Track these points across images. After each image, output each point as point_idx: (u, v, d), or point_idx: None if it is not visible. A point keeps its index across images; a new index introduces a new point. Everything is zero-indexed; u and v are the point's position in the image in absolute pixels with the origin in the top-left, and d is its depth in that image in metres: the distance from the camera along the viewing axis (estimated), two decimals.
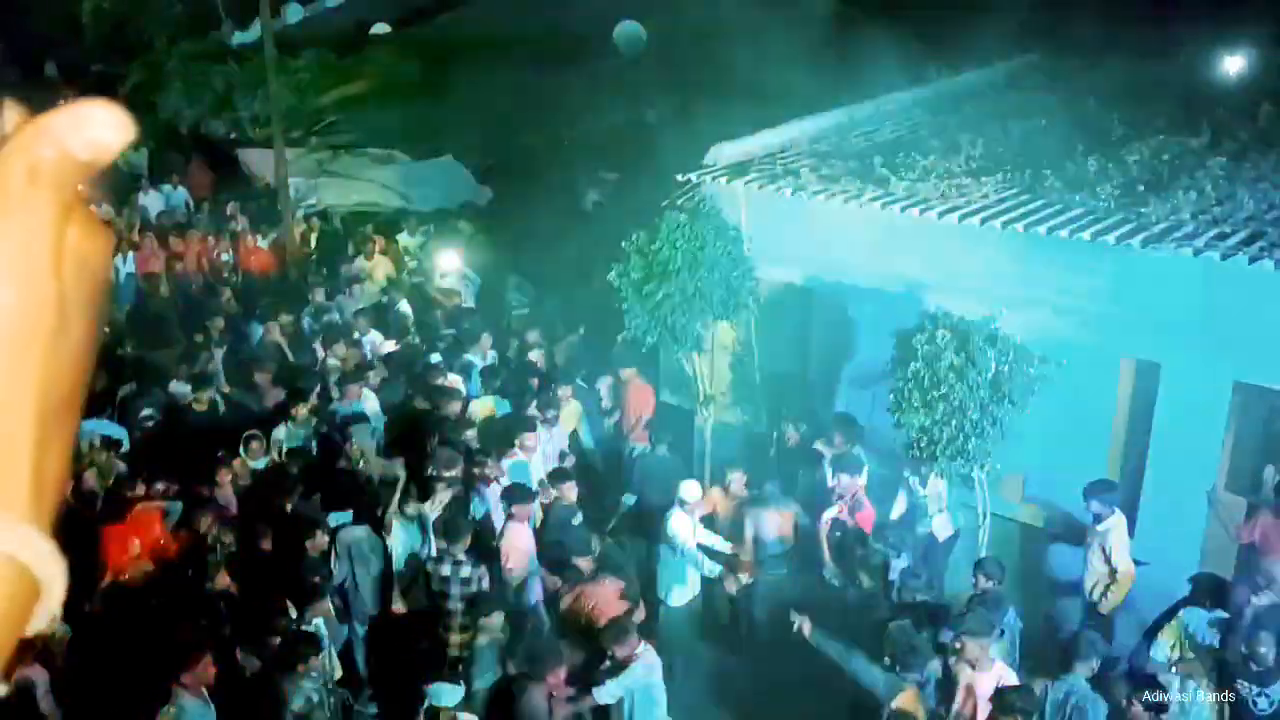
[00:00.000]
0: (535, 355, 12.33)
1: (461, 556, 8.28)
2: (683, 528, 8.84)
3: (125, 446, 9.97)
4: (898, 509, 9.24)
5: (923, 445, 8.34)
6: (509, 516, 8.73)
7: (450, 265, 14.67)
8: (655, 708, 7.47)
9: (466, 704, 7.25)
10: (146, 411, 10.64)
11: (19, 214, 0.67)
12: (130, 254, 15.73)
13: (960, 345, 8.06)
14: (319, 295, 13.88)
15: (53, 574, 0.69)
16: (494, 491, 9.24)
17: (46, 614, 0.70)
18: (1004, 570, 8.16)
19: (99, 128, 0.69)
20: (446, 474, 9.03)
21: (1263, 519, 8.59)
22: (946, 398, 8.05)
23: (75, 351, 0.71)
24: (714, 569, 8.84)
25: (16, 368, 0.67)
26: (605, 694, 7.32)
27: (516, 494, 8.84)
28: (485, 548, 8.73)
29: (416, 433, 10.08)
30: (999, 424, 8.13)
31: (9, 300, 0.67)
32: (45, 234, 0.68)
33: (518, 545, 8.66)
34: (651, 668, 7.41)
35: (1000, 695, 6.51)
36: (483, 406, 10.96)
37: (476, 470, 9.35)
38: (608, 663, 7.36)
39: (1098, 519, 8.45)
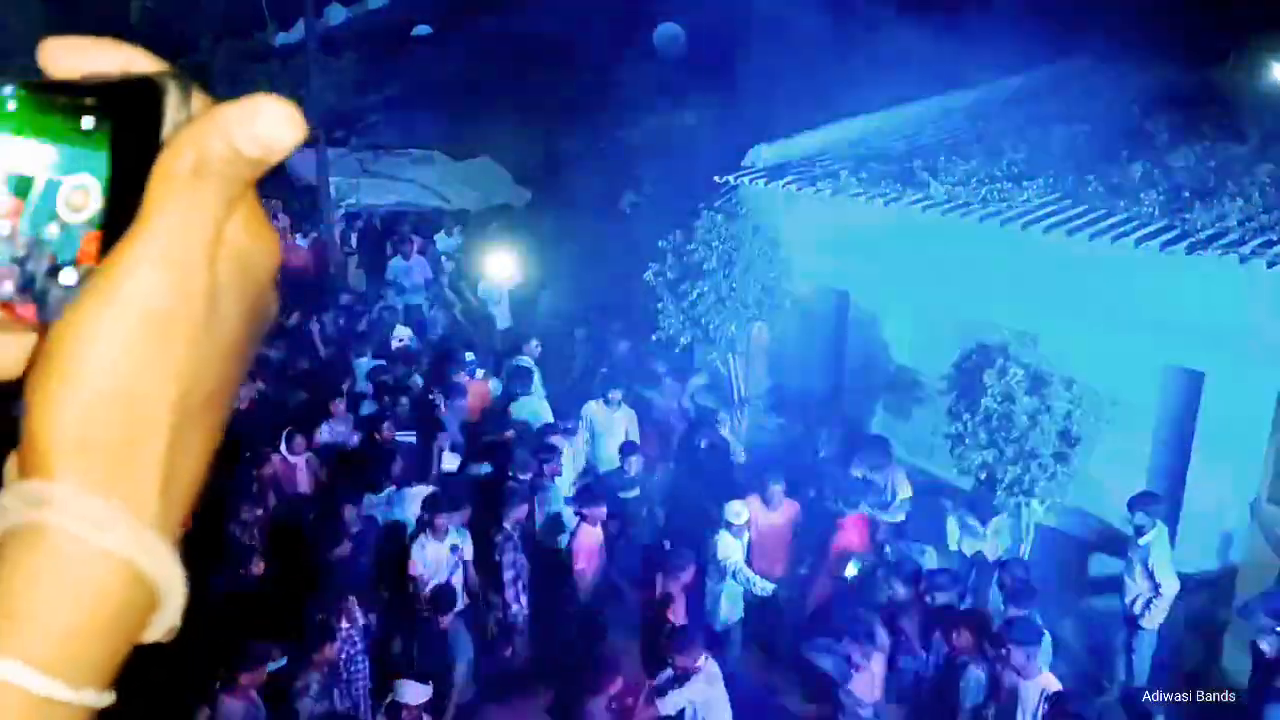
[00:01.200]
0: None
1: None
2: (731, 550, 8.57)
3: None
4: (951, 539, 9.05)
5: (982, 479, 8.19)
6: (581, 518, 8.79)
7: (487, 270, 14.74)
8: None
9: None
10: None
11: (180, 203, 0.65)
12: None
13: (1033, 387, 7.87)
14: (345, 297, 14.00)
15: (173, 584, 0.66)
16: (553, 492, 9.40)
17: (163, 625, 0.67)
18: (1029, 567, 8.03)
19: (270, 124, 0.65)
20: (522, 476, 9.17)
21: None
22: (1018, 441, 7.86)
23: (224, 350, 0.68)
24: (767, 587, 8.62)
25: (157, 356, 0.64)
26: (668, 704, 7.12)
27: (588, 496, 8.93)
28: (551, 550, 8.95)
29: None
30: (1070, 466, 7.99)
31: (158, 285, 0.64)
32: (205, 225, 0.66)
33: (587, 545, 8.71)
34: (714, 678, 7.23)
35: (1059, 700, 6.41)
36: (527, 407, 10.96)
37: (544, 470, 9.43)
38: (669, 672, 7.19)
39: (1140, 531, 8.28)
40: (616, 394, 10.55)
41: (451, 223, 17.18)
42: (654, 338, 10.71)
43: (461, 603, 8.38)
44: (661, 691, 7.14)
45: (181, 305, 0.65)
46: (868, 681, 7.30)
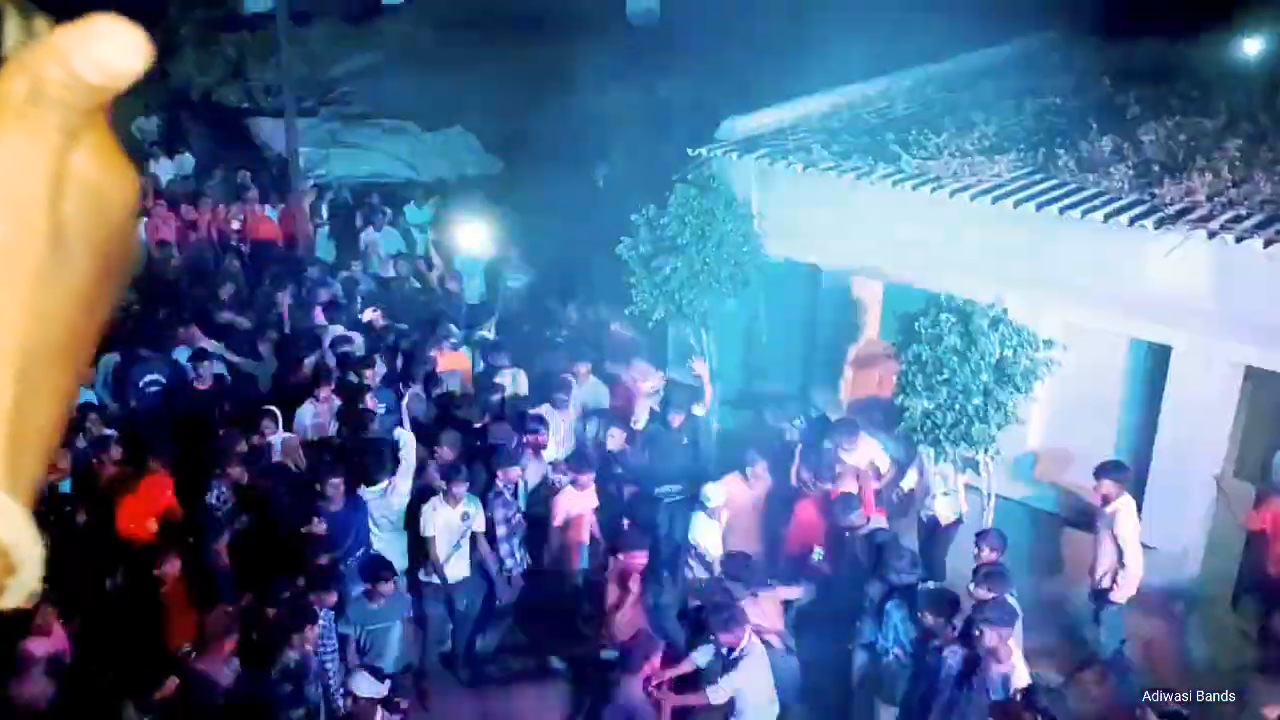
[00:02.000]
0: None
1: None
2: (707, 535, 8.58)
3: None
4: (909, 483, 9.15)
5: (925, 429, 8.30)
6: (572, 483, 8.97)
7: (459, 242, 14.64)
8: (769, 704, 7.17)
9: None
10: (150, 378, 10.66)
11: (15, 134, 0.60)
12: (141, 221, 15.75)
13: (963, 328, 8.01)
14: (314, 270, 13.86)
15: (27, 548, 0.60)
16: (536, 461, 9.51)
17: (20, 591, 0.61)
18: (1006, 542, 8.04)
19: (110, 47, 0.60)
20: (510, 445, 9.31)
21: (1272, 506, 8.55)
22: (949, 381, 8.02)
23: (75, 293, 0.62)
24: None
25: None
26: (718, 694, 7.01)
27: (581, 462, 9.11)
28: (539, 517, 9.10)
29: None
30: (1003, 409, 8.07)
31: None
32: (43, 159, 0.60)
33: (568, 508, 8.90)
34: (760, 659, 7.12)
35: (1029, 694, 6.44)
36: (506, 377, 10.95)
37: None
38: (714, 654, 7.09)
39: (1106, 500, 8.37)
40: (585, 367, 10.62)
41: (423, 194, 17.04)
42: (626, 312, 10.69)
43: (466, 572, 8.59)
44: (708, 678, 6.96)
45: (20, 245, 0.60)
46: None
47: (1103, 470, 8.34)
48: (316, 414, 9.98)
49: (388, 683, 6.82)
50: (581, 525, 8.96)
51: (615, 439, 9.58)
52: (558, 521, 8.96)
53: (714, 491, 8.58)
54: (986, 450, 8.32)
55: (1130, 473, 8.58)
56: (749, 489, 9.04)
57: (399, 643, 7.94)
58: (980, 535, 8.10)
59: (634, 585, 8.03)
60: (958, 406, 8.07)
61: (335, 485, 8.53)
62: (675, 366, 11.59)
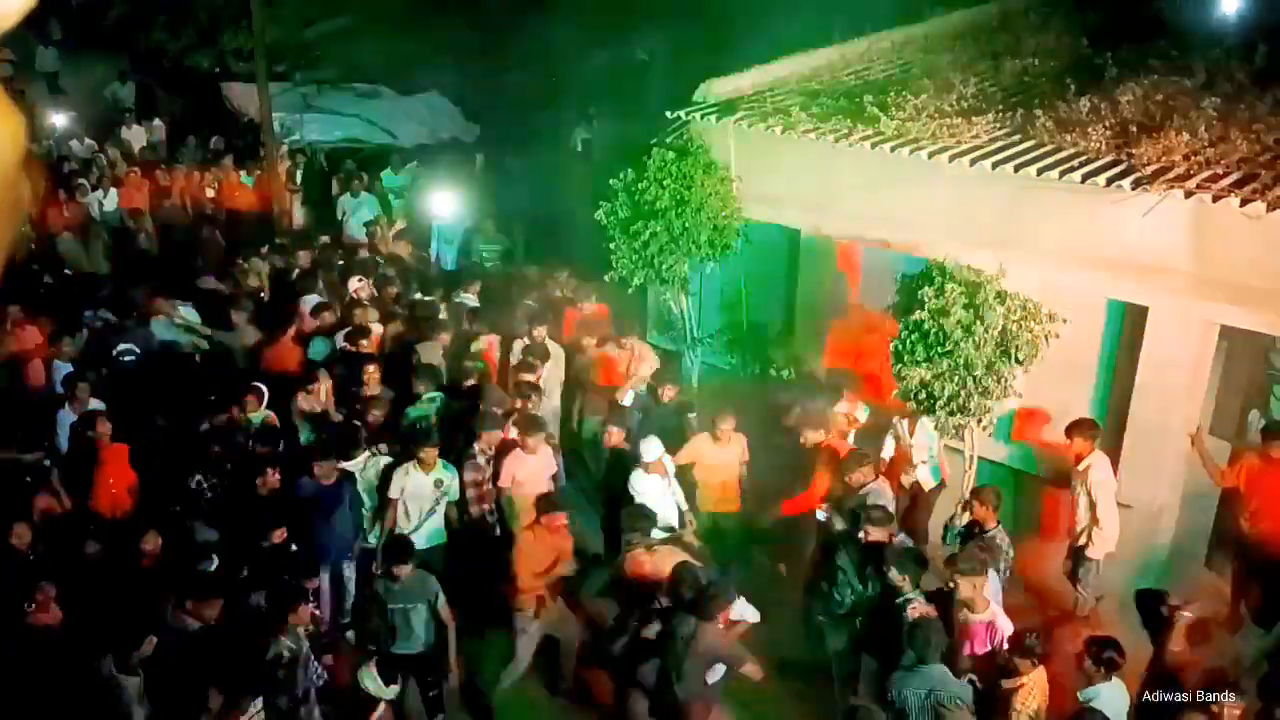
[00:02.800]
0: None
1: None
2: (646, 490, 8.64)
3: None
4: (885, 451, 9.24)
5: (921, 399, 8.29)
6: (521, 445, 8.96)
7: (436, 208, 14.54)
8: None
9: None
10: (124, 346, 10.57)
11: None
12: (113, 189, 15.56)
13: (969, 301, 7.98)
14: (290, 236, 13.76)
15: None
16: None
17: None
18: (1000, 499, 8.12)
19: None
20: (499, 411, 9.35)
21: (1246, 463, 8.66)
22: (951, 354, 7.99)
23: None
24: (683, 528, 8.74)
25: None
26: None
27: (531, 424, 9.08)
28: None
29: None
30: (1003, 382, 8.10)
31: None
32: None
33: (519, 473, 8.88)
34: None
35: (1018, 638, 6.55)
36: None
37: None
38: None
39: (1079, 458, 8.46)
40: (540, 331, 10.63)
41: (399, 159, 16.90)
42: (606, 278, 10.66)
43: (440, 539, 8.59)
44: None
45: None
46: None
47: (1074, 428, 8.43)
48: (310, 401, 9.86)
49: (396, 687, 6.73)
50: (531, 489, 8.78)
51: (613, 437, 9.41)
52: (503, 483, 8.97)
53: (648, 448, 8.64)
54: (980, 422, 8.34)
55: (1100, 430, 8.66)
56: (719, 448, 9.08)
57: (425, 626, 7.57)
58: (975, 492, 8.19)
59: (564, 550, 8.06)
60: (958, 379, 8.05)
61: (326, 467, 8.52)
62: (658, 333, 11.60)
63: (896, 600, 7.19)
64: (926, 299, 8.02)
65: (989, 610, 7.02)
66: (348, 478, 8.61)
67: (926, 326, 7.99)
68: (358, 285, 11.91)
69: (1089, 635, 6.92)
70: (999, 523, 8.02)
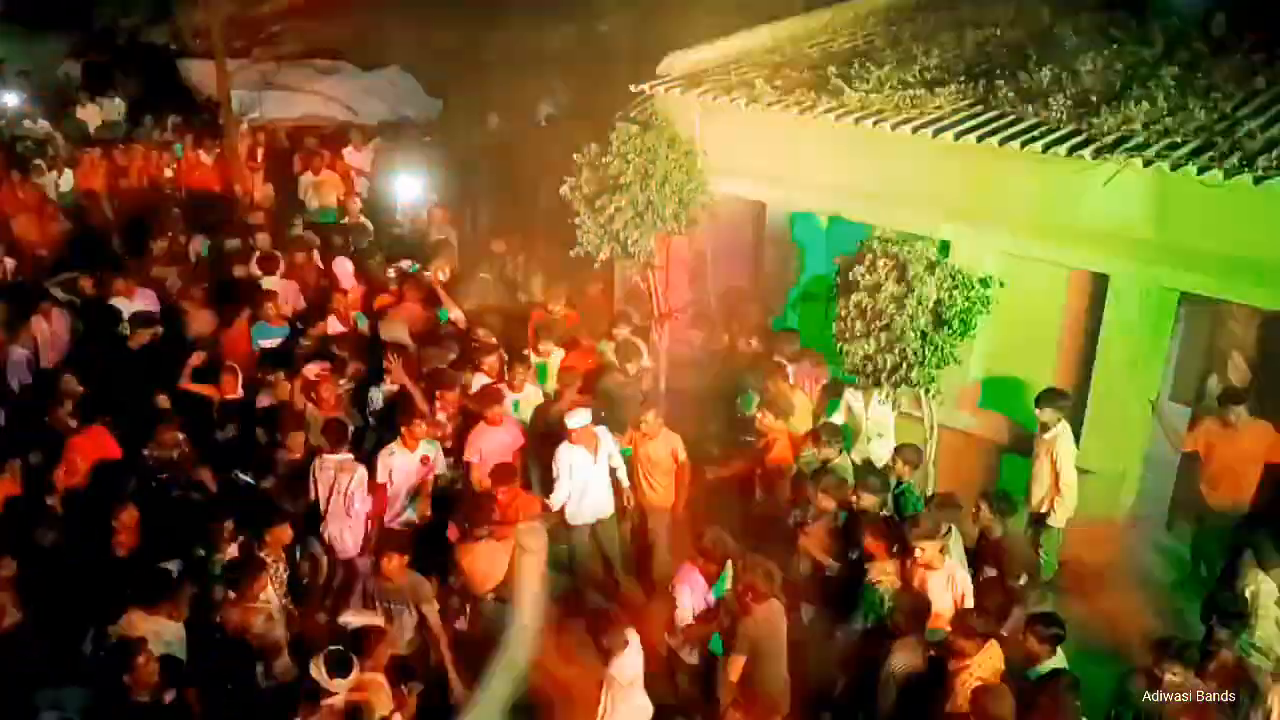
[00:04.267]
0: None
1: None
2: (575, 464, 8.61)
3: None
4: (835, 421, 9.23)
5: (868, 372, 8.40)
6: (483, 419, 8.88)
7: (399, 186, 14.43)
8: None
9: None
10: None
11: None
12: (69, 170, 15.31)
13: (900, 275, 8.06)
14: (259, 216, 13.60)
15: None
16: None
17: None
18: (921, 456, 8.30)
19: None
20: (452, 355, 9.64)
21: (1206, 429, 8.78)
22: (888, 328, 8.09)
23: None
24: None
25: None
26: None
27: (493, 396, 9.00)
28: None
29: None
30: (940, 351, 8.18)
31: None
32: None
33: (485, 447, 8.80)
34: None
35: (961, 617, 6.62)
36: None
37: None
38: None
39: (1045, 428, 8.58)
40: None
41: (361, 136, 16.72)
42: (572, 253, 10.61)
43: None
44: None
45: None
46: None
47: (1043, 398, 8.55)
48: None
49: (343, 681, 6.34)
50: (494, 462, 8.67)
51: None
52: (467, 456, 8.85)
53: (573, 417, 8.61)
54: (927, 391, 8.43)
55: (1069, 399, 8.76)
56: (651, 441, 8.88)
57: (407, 631, 7.32)
58: (897, 450, 8.38)
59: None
60: (897, 350, 8.14)
61: (295, 438, 8.46)
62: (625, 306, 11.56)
63: (865, 566, 7.29)
64: (860, 277, 8.10)
65: (946, 566, 7.11)
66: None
67: (863, 303, 8.10)
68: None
69: (1032, 613, 7.00)
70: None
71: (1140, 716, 6.41)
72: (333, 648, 6.36)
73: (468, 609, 7.94)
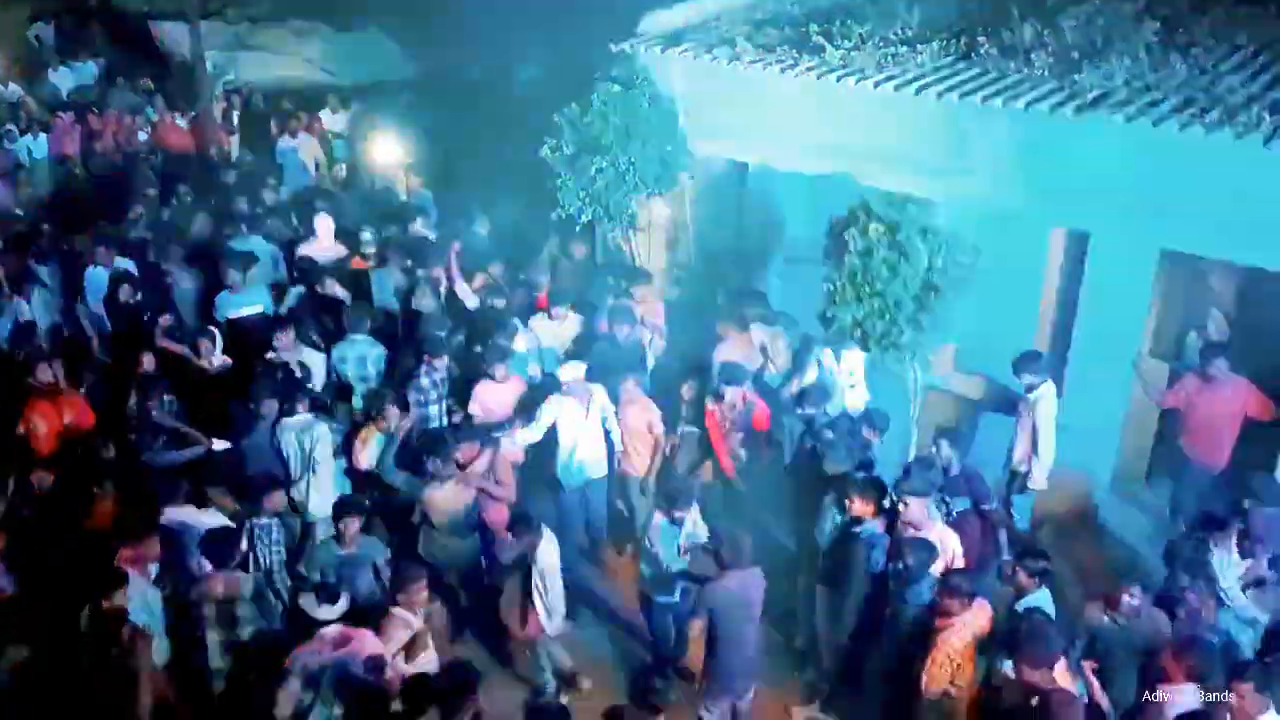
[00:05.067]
0: None
1: None
2: (566, 417, 8.62)
3: None
4: (807, 379, 9.24)
5: (856, 337, 8.39)
6: (489, 375, 8.93)
7: (377, 149, 14.27)
8: None
9: None
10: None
11: None
12: (43, 135, 15.12)
13: (891, 239, 8.01)
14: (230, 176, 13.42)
15: None
16: None
17: None
18: (888, 421, 8.36)
19: None
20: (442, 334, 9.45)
21: (1185, 384, 8.85)
22: (881, 294, 8.06)
23: None
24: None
25: None
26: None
27: (496, 354, 8.97)
28: None
29: None
30: (933, 316, 8.19)
31: None
32: None
33: (488, 401, 8.84)
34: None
35: (945, 579, 6.65)
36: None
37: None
38: None
39: (1030, 388, 8.58)
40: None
41: (338, 99, 16.53)
42: (554, 216, 10.56)
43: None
44: None
45: None
46: None
47: (1020, 364, 8.53)
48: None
49: (336, 607, 6.67)
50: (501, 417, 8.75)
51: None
52: (472, 408, 8.89)
53: (567, 368, 8.63)
54: (914, 354, 8.44)
55: (1045, 360, 8.76)
56: (628, 407, 8.89)
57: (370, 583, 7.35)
58: (864, 415, 8.41)
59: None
60: (888, 317, 8.13)
61: (270, 405, 8.40)
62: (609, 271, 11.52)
63: (854, 530, 7.32)
64: (853, 241, 8.07)
65: (936, 529, 7.17)
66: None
67: (855, 268, 8.06)
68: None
69: (1020, 549, 7.13)
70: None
71: (1095, 641, 6.58)
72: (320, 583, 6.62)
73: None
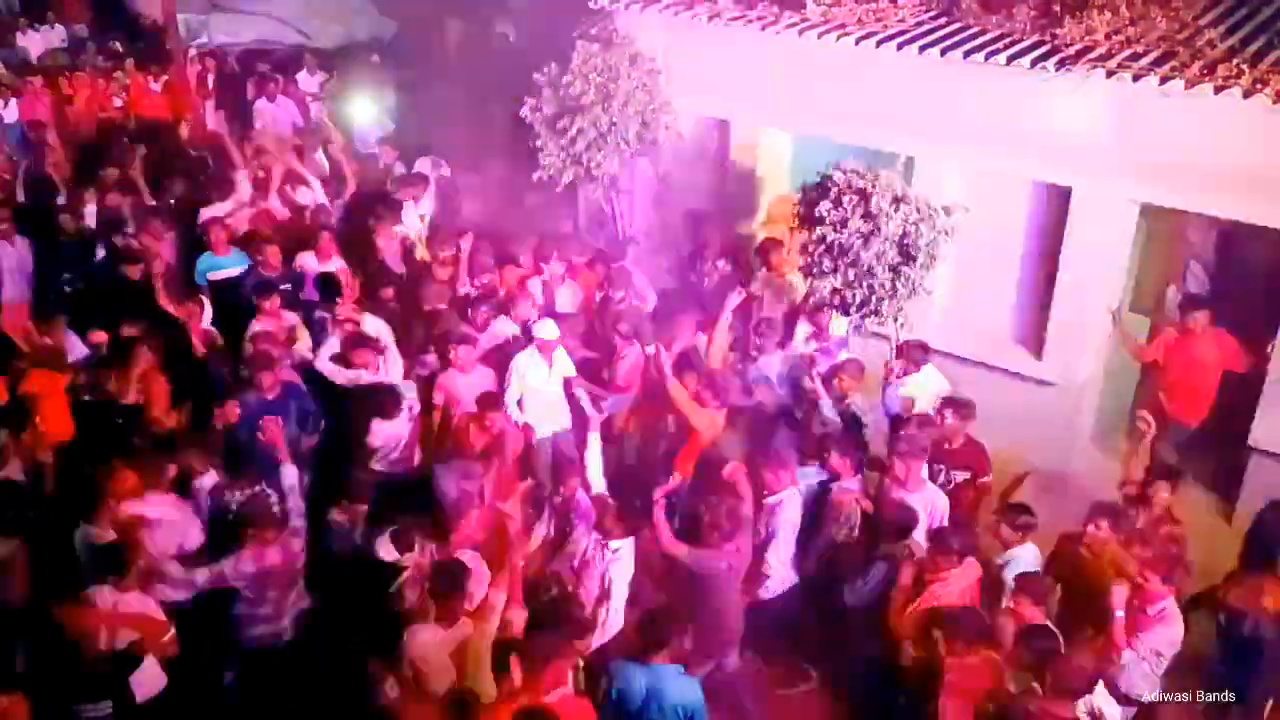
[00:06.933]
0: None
1: None
2: (530, 369, 8.59)
3: None
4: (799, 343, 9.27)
5: (836, 305, 8.43)
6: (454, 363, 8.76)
7: (354, 111, 14.10)
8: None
9: None
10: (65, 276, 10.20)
11: None
12: (13, 100, 14.86)
13: (865, 210, 8.03)
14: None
15: None
16: None
17: None
18: (864, 372, 8.41)
19: None
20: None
21: (1165, 338, 8.92)
22: (855, 264, 8.09)
23: None
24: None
25: None
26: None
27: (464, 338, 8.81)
28: None
29: None
30: (909, 283, 8.22)
31: None
32: None
33: (454, 390, 8.62)
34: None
35: (939, 535, 6.74)
36: None
37: None
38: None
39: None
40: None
41: (314, 61, 16.31)
42: (535, 177, 10.50)
43: None
44: None
45: None
46: None
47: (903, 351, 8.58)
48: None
49: (411, 554, 6.66)
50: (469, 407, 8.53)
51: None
52: (435, 400, 8.63)
53: (542, 327, 8.60)
54: (895, 319, 8.48)
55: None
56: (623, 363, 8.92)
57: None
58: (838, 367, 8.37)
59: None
60: (865, 285, 8.16)
61: (266, 377, 8.20)
62: (590, 232, 11.50)
63: (831, 485, 7.38)
64: (826, 213, 8.07)
65: (926, 490, 7.23)
66: (292, 390, 8.39)
67: (830, 239, 8.07)
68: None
69: (1003, 502, 7.21)
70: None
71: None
72: (391, 528, 6.65)
73: None
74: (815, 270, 8.37)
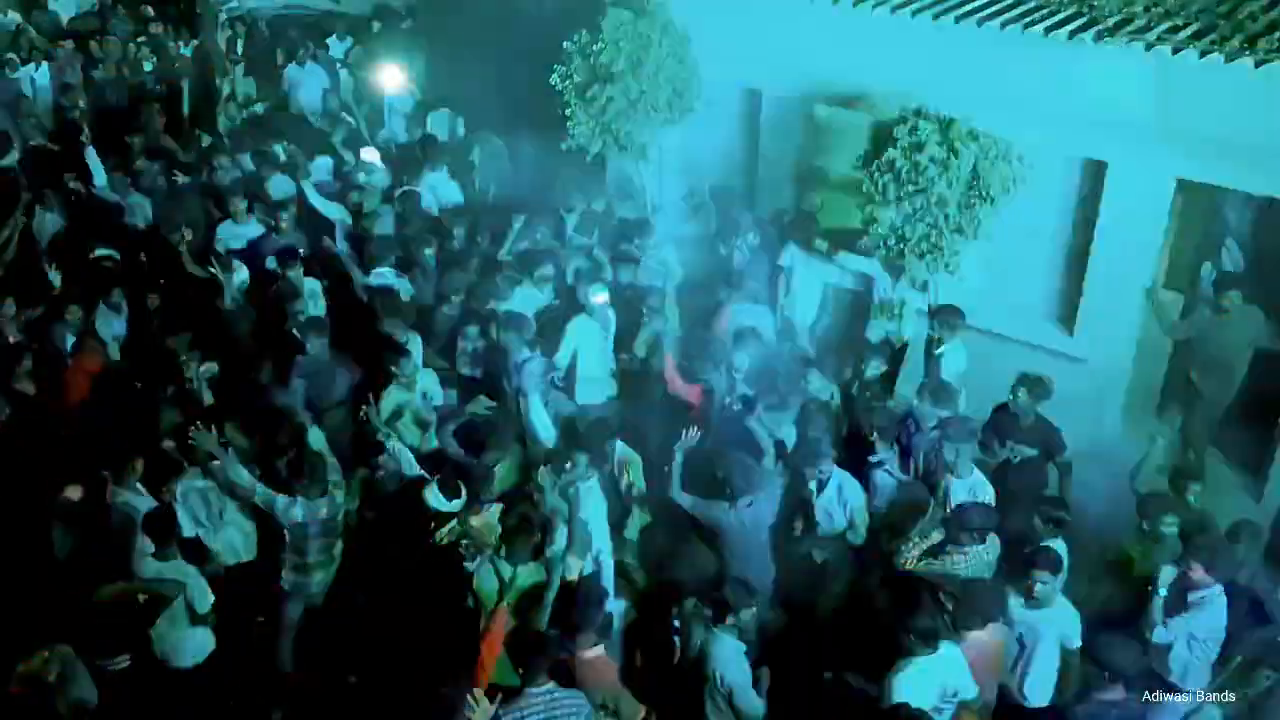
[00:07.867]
0: None
1: None
2: (583, 336, 8.63)
3: None
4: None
5: (890, 244, 8.33)
6: None
7: (384, 78, 14.07)
8: None
9: None
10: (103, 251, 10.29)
11: None
12: (44, 64, 14.92)
13: (942, 137, 7.93)
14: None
15: None
16: None
17: None
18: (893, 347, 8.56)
19: None
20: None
21: (1198, 314, 8.83)
22: (925, 192, 7.98)
23: None
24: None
25: None
26: None
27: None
28: None
29: None
30: (976, 221, 8.14)
31: None
32: None
33: None
34: None
35: (960, 512, 6.70)
36: None
37: None
38: None
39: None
40: None
41: (344, 26, 16.28)
42: (563, 147, 10.46)
43: None
44: None
45: None
46: None
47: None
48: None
49: (459, 500, 6.87)
50: None
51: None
52: None
53: (596, 290, 8.64)
54: (948, 265, 8.38)
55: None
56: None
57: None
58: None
59: None
60: (930, 219, 8.08)
61: (319, 343, 8.37)
62: (620, 202, 11.46)
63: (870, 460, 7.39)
64: (900, 136, 7.96)
65: (973, 475, 7.20)
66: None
67: (899, 163, 7.97)
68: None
69: (1043, 495, 7.16)
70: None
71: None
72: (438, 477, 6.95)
73: None
74: (876, 199, 8.23)
